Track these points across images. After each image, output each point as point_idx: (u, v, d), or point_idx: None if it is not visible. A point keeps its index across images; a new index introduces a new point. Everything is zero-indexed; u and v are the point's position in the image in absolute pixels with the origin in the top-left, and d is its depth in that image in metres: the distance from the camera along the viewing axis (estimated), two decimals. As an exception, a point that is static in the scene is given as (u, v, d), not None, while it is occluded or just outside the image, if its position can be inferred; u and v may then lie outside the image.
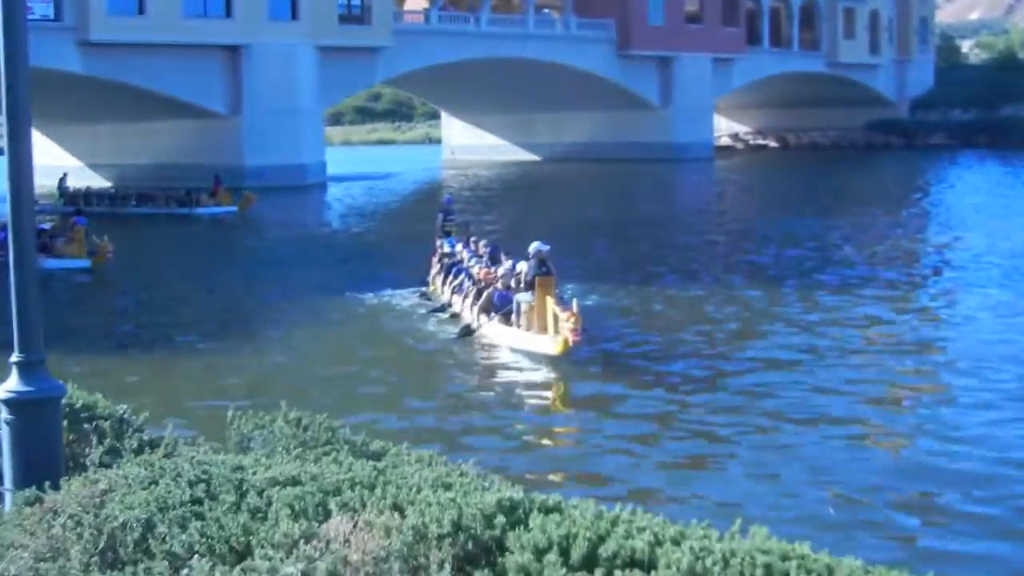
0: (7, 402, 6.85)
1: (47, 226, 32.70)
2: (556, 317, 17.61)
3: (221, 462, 6.57)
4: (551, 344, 17.42)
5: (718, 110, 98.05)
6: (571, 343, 16.96)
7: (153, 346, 20.25)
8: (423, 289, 24.68)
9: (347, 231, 41.22)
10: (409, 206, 55.05)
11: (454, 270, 23.08)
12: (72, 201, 51.43)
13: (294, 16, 63.68)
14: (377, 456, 7.51)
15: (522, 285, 19.31)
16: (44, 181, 72.75)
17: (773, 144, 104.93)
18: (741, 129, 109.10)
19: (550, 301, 18.18)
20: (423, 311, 22.50)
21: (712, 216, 43.86)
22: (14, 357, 6.89)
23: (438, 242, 25.99)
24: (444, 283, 23.38)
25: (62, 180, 55.82)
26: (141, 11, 58.74)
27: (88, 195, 52.60)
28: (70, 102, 66.89)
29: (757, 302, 23.21)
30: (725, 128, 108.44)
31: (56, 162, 76.48)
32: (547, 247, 19.14)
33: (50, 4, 56.65)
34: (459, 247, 24.51)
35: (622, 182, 65.81)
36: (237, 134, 63.00)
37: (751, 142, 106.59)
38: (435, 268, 24.73)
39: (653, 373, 16.91)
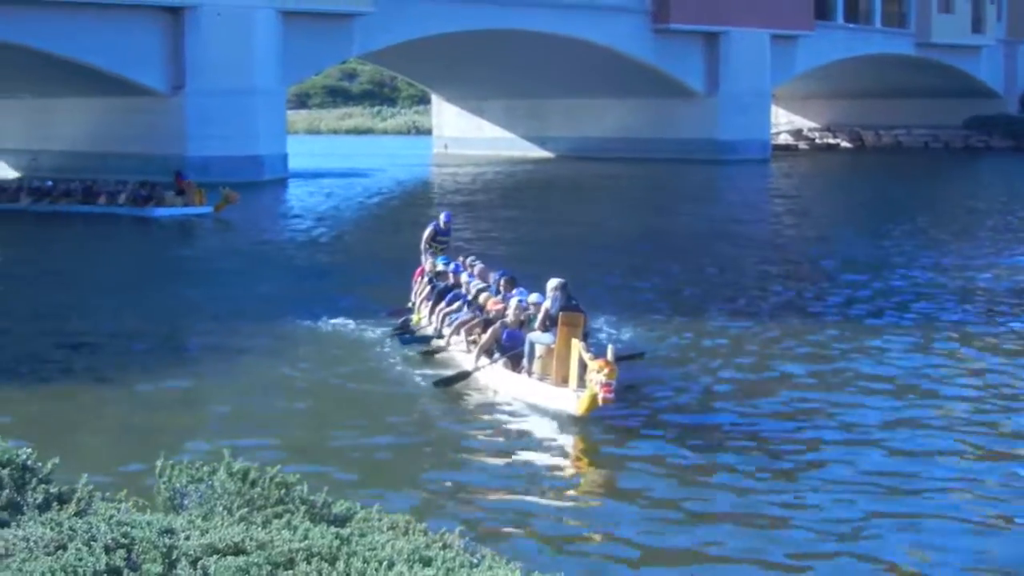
0: None
1: None
2: (584, 366, 16.89)
3: (146, 523, 6.59)
4: (572, 400, 16.98)
5: (776, 100, 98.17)
6: (601, 401, 16.37)
7: (65, 376, 20.24)
8: (402, 316, 24.67)
9: (310, 240, 41.26)
10: (388, 212, 55.15)
11: (449, 296, 22.81)
12: (0, 194, 51.95)
13: (252, -28, 63.90)
14: (341, 521, 7.53)
15: (536, 323, 18.89)
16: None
17: (846, 144, 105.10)
18: (805, 124, 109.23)
19: (577, 345, 17.44)
20: (403, 344, 22.32)
21: (767, 233, 43.84)
22: None
23: (426, 261, 25.97)
24: (432, 311, 23.13)
25: None
26: (59, -42, 58.89)
27: (18, 188, 52.84)
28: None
29: (827, 344, 23.07)
30: (785, 123, 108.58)
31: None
32: (563, 280, 18.97)
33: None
34: (450, 267, 24.35)
35: (655, 188, 65.88)
36: (177, 117, 63.13)
37: (817, 141, 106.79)
38: (422, 291, 24.57)
39: (691, 429, 16.75)
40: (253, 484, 7.97)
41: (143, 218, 47.65)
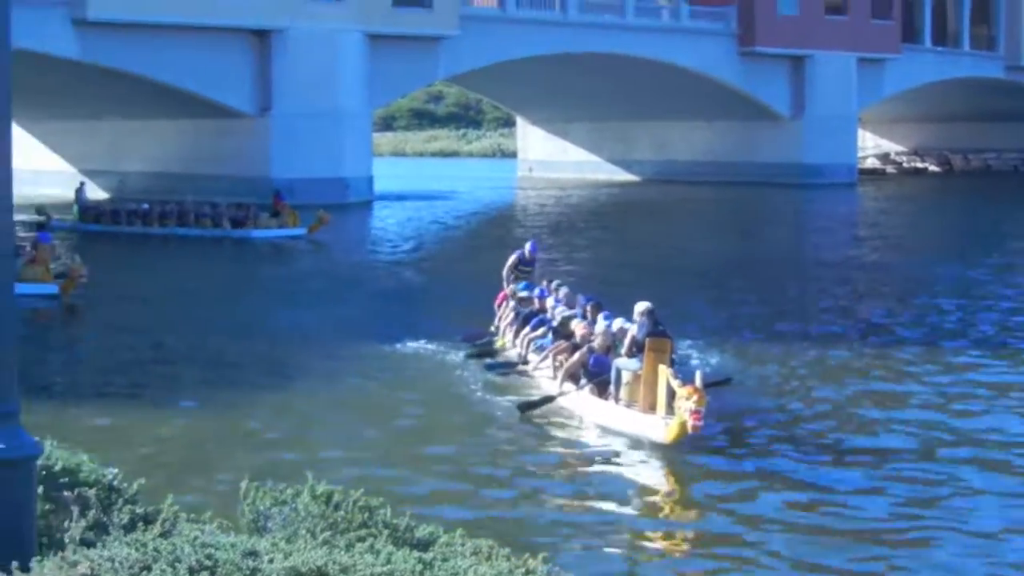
0: (-29, 461, 6.93)
1: None
2: (672, 393, 16.66)
3: (230, 545, 6.61)
4: (661, 427, 16.72)
5: (863, 124, 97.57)
6: (690, 429, 16.06)
7: (149, 396, 20.45)
8: (486, 339, 24.61)
9: (396, 263, 41.45)
10: (473, 235, 55.25)
11: (534, 321, 22.61)
12: (96, 218, 52.22)
13: (338, -5, 64.32)
14: (424, 545, 7.53)
15: (622, 349, 18.66)
16: (34, 188, 74.30)
17: (934, 168, 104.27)
18: (893, 148, 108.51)
19: (664, 371, 17.17)
20: (488, 369, 22.14)
21: (853, 258, 43.43)
22: (-20, 406, 6.98)
23: (508, 287, 25.87)
24: (517, 336, 23.01)
25: (80, 191, 56.05)
26: (152, -16, 59.53)
27: (116, 211, 52.82)
28: (62, 94, 67.97)
29: (912, 369, 22.81)
30: (872, 146, 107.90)
31: (43, 166, 77.90)
32: (650, 305, 18.66)
33: (42, -27, 57.35)
34: (535, 292, 24.16)
35: (741, 211, 65.64)
36: (264, 139, 63.67)
37: (905, 164, 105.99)
38: (506, 316, 24.47)
39: (780, 456, 16.53)
40: (336, 507, 7.98)
41: (239, 239, 47.92)
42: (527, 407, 19.07)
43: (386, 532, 7.64)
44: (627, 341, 18.53)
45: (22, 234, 40.78)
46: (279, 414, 19.15)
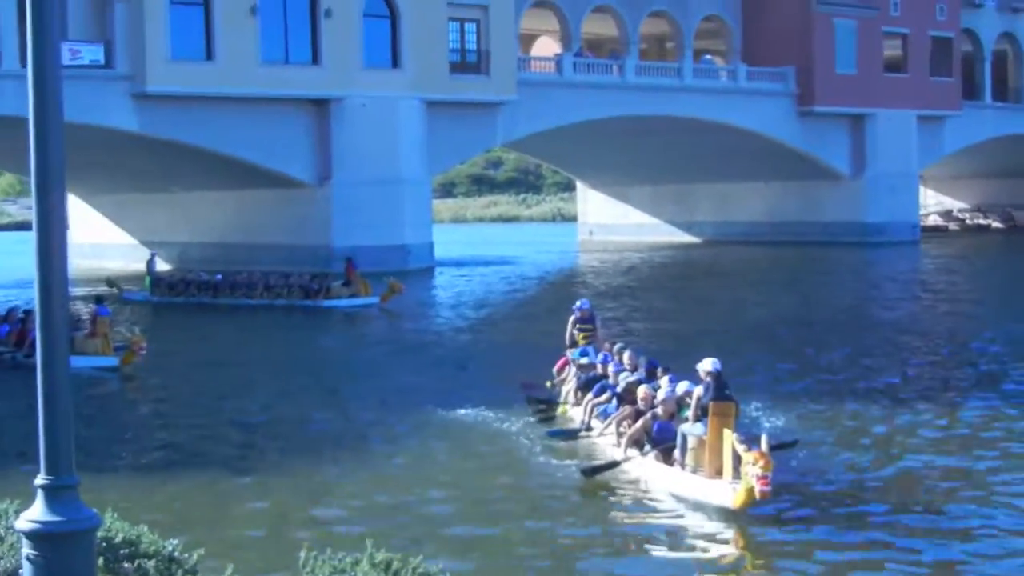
0: (31, 535, 6.96)
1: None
2: (738, 457, 16.39)
3: (288, 615, 6.61)
4: (728, 493, 16.38)
5: (925, 181, 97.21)
6: (758, 495, 15.78)
7: (207, 466, 20.50)
8: (543, 395, 24.59)
9: (456, 329, 41.52)
10: (534, 301, 55.21)
11: (596, 387, 22.31)
12: (168, 289, 52.52)
13: (395, 63, 64.83)
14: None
15: (687, 412, 18.46)
16: (96, 262, 75.04)
17: (997, 224, 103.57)
18: (955, 205, 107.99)
19: (730, 435, 16.89)
20: (550, 436, 21.82)
21: (917, 318, 43.09)
22: (39, 480, 7.02)
23: (569, 351, 25.76)
24: (580, 402, 22.77)
25: (151, 263, 56.62)
26: (209, 56, 60.18)
27: (187, 282, 53.01)
28: (123, 167, 68.74)
29: (980, 431, 22.47)
30: (934, 203, 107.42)
31: (104, 239, 78.75)
32: (720, 365, 18.28)
33: (100, 47, 58.05)
34: (599, 357, 23.96)
35: (803, 272, 65.32)
36: (324, 207, 64.15)
37: (968, 221, 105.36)
38: (568, 382, 24.28)
39: (847, 520, 16.18)
40: (396, 574, 7.98)
41: (311, 309, 47.99)
42: (592, 471, 18.86)
43: (445, 600, 7.63)
44: (693, 404, 18.26)
45: (82, 307, 41.26)
46: (340, 483, 19.14)
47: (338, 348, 38.30)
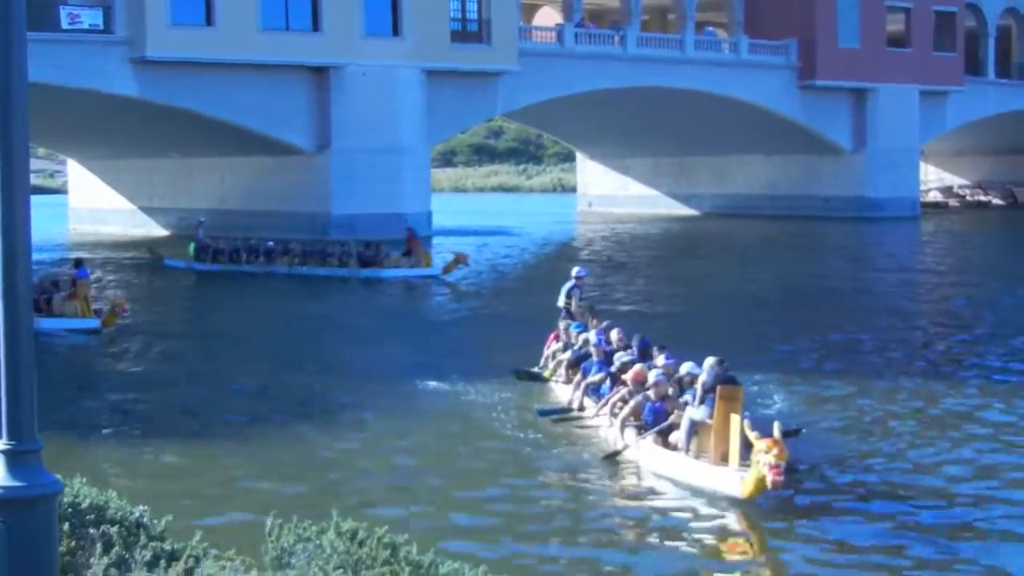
0: (-8, 499, 7.00)
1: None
2: (748, 444, 15.81)
3: (248, 582, 6.64)
4: (735, 481, 15.90)
5: (926, 157, 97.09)
6: (770, 485, 15.20)
7: (185, 432, 20.52)
8: (534, 371, 24.24)
9: (449, 300, 41.50)
10: (530, 272, 55.13)
11: (592, 367, 21.72)
12: (213, 256, 51.16)
13: (396, 31, 64.74)
14: (445, 582, 7.53)
15: (689, 396, 17.92)
16: (94, 226, 75.06)
17: (997, 201, 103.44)
18: (956, 181, 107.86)
19: (737, 421, 16.26)
20: (539, 413, 21.35)
21: (918, 295, 42.73)
22: (1, 444, 7.04)
23: (561, 325, 25.22)
24: (570, 379, 22.34)
25: (197, 229, 54.54)
26: (209, 22, 60.08)
27: (236, 250, 51.23)
28: (122, 133, 68.76)
29: (987, 412, 22.04)
30: (935, 179, 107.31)
31: (104, 204, 78.83)
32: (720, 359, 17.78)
33: (99, 11, 57.89)
34: (591, 335, 23.05)
35: (802, 246, 65.30)
36: (323, 175, 64.15)
37: (968, 198, 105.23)
38: (560, 357, 23.72)
39: (858, 511, 15.72)
40: (361, 544, 8.01)
41: (368, 279, 46.72)
42: (609, 457, 18.33)
43: (408, 569, 7.65)
44: (698, 387, 17.71)
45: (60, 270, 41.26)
46: (317, 451, 19.13)
47: (359, 318, 37.91)
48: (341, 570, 7.34)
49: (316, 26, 62.84)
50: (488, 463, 18.41)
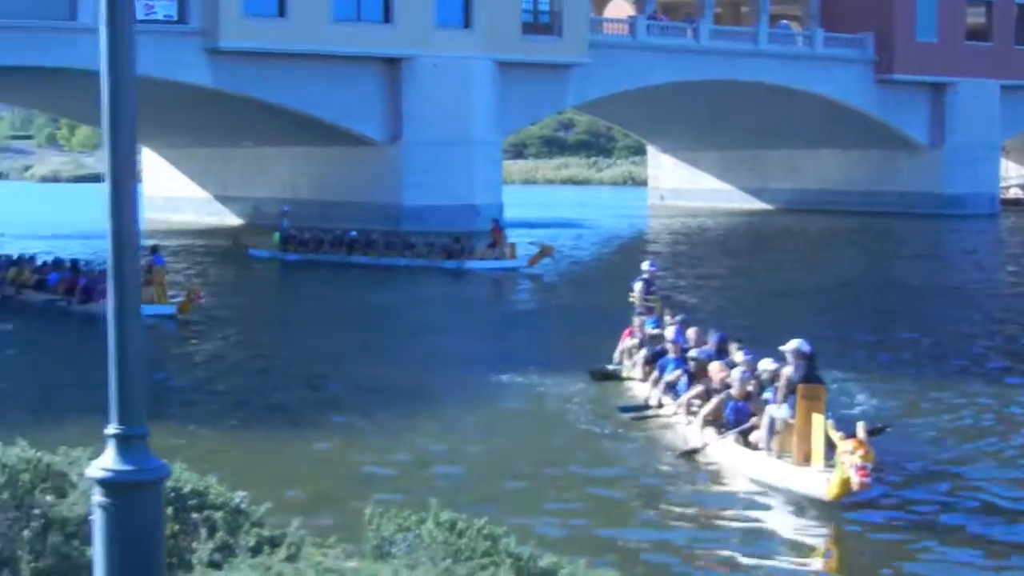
0: (103, 482, 7.08)
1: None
2: (831, 444, 15.41)
3: (353, 571, 6.69)
4: (819, 482, 15.54)
5: (1006, 153, 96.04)
6: (856, 487, 14.83)
7: (278, 420, 20.70)
8: (609, 368, 24.08)
9: (522, 294, 41.53)
10: (608, 265, 55.03)
11: (670, 364, 21.44)
12: (299, 246, 51.41)
13: (467, 23, 64.91)
14: (547, 575, 7.55)
15: (769, 392, 17.67)
16: (168, 215, 75.60)
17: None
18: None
19: (821, 420, 15.83)
20: (620, 410, 21.22)
21: (999, 292, 42.17)
22: (111, 429, 7.12)
23: (636, 321, 25.00)
24: (647, 376, 22.16)
25: (283, 218, 54.59)
26: (282, 13, 60.48)
27: (320, 240, 51.43)
28: (195, 121, 69.28)
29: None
30: (1015, 176, 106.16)
31: (177, 192, 79.45)
32: (810, 347, 17.35)
33: (173, 2, 58.70)
34: (668, 331, 22.96)
35: (879, 242, 64.77)
36: (394, 166, 64.40)
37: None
38: (636, 353, 23.47)
39: (947, 512, 15.49)
40: (460, 535, 8.03)
41: (453, 271, 46.75)
42: (686, 455, 18.18)
43: (508, 561, 7.67)
44: (781, 384, 17.30)
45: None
46: (412, 441, 19.16)
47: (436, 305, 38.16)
48: (449, 560, 7.39)
49: (388, 17, 63.11)
50: (568, 457, 18.35)
